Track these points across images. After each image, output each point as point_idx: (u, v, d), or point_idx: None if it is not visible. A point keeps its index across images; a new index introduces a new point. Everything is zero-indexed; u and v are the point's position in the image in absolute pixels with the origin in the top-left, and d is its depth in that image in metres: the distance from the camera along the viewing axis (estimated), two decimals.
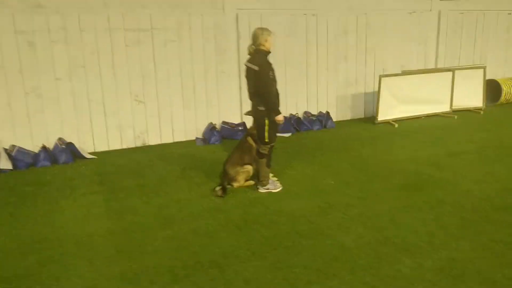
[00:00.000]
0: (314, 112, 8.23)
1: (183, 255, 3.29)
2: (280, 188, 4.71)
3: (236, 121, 7.57)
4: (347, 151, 6.28)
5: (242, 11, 7.39)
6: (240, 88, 7.47)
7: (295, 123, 7.77)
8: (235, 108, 7.63)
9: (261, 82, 4.30)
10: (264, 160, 4.62)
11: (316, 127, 7.85)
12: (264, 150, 4.58)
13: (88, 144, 6.68)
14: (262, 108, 4.41)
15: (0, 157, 5.79)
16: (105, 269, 3.14)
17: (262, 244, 3.43)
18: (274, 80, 4.40)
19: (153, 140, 7.14)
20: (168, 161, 6.06)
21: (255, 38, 4.42)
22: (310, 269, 3.02)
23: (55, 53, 6.27)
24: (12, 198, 4.71)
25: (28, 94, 6.20)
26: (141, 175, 5.42)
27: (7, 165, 5.71)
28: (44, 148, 6.16)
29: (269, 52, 4.46)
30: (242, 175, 4.78)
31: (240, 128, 7.33)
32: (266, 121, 4.43)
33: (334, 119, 8.26)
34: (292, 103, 8.05)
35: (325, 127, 7.95)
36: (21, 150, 6.02)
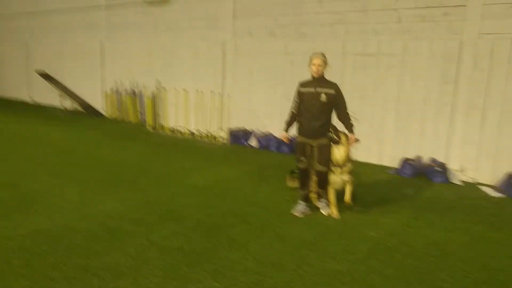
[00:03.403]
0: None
1: None
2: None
3: (439, 157, 6.65)
4: None
5: (484, 36, 6.18)
6: (460, 124, 6.42)
7: None
8: (441, 143, 6.68)
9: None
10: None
11: None
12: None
13: None
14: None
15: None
16: None
17: None
18: (295, 102, 4.66)
19: (360, 157, 7.65)
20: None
21: None
22: None
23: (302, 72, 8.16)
24: None
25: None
26: None
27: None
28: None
29: (313, 76, 4.58)
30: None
31: (436, 168, 6.43)
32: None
33: None
34: None
35: None
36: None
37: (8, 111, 12.95)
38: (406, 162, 6.66)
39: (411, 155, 6.99)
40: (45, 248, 3.67)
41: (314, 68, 4.51)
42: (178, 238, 3.97)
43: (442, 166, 6.42)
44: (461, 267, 3.58)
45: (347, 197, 4.77)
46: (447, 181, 6.28)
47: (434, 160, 6.64)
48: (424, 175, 6.49)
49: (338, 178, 4.67)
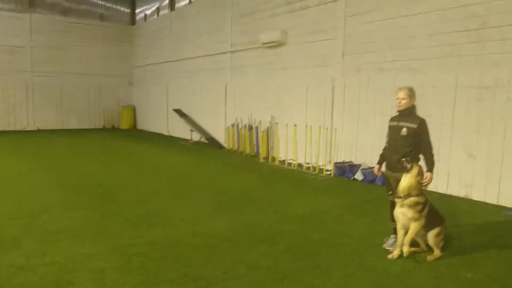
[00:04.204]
0: None
1: None
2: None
3: None
4: None
5: None
6: None
7: None
8: None
9: None
10: None
11: None
12: None
13: None
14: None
15: None
16: None
17: None
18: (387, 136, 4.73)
19: (476, 196, 7.06)
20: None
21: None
22: None
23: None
24: None
25: None
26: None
27: None
28: None
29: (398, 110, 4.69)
30: None
31: None
32: None
33: None
34: None
35: None
36: None
37: (149, 142, 15.17)
38: None
39: None
40: (157, 254, 4.38)
41: (397, 102, 4.57)
42: (267, 259, 4.32)
43: None
44: None
45: (405, 241, 4.32)
46: None
47: None
48: None
49: (397, 210, 4.39)
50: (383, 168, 4.94)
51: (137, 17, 21.07)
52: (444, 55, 7.57)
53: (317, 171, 9.50)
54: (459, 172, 7.33)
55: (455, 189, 7.39)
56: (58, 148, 12.82)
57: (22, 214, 5.71)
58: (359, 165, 8.75)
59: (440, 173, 7.46)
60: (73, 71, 19.37)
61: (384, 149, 4.87)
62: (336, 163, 9.22)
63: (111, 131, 19.40)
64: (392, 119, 4.77)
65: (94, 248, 4.52)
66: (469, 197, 7.16)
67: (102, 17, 20.33)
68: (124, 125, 20.48)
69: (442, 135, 7.50)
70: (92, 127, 20.09)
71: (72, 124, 19.52)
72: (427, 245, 4.50)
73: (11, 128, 18.03)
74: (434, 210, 4.55)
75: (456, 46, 7.39)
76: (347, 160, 9.29)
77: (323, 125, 9.81)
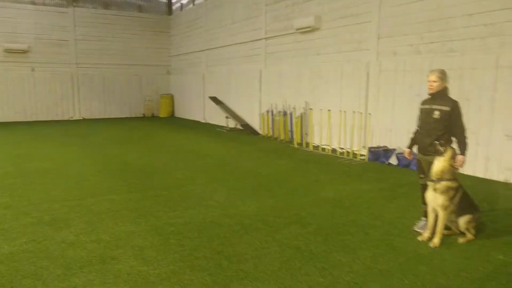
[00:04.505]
0: None
1: None
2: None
3: None
4: None
5: None
6: None
7: None
8: None
9: None
10: None
11: None
12: None
13: None
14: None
15: None
16: None
17: None
18: (418, 119, 4.73)
19: None
20: None
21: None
22: None
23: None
24: None
25: None
26: None
27: None
28: None
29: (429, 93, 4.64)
30: None
31: None
32: None
33: None
34: None
35: None
36: None
37: (186, 129, 15.61)
38: None
39: None
40: (193, 234, 4.64)
41: (428, 85, 4.51)
42: (298, 239, 4.47)
43: None
44: None
45: (436, 231, 4.31)
46: None
47: None
48: None
49: (429, 194, 4.37)
50: (415, 151, 4.92)
51: (174, 7, 21.50)
52: (484, 35, 7.30)
53: (351, 156, 9.48)
54: (499, 156, 7.11)
55: (495, 174, 7.18)
56: (102, 137, 13.49)
57: (71, 197, 6.17)
58: (394, 150, 8.66)
59: (479, 157, 7.31)
60: (114, 62, 20.18)
61: (415, 133, 4.85)
62: (370, 148, 9.16)
63: (151, 119, 20.10)
64: (424, 102, 4.73)
65: (135, 227, 4.84)
66: (509, 181, 6.95)
67: (140, 8, 20.91)
68: (163, 113, 21.13)
69: (482, 118, 7.29)
70: (133, 115, 20.89)
71: (115, 113, 20.40)
72: (459, 230, 4.48)
73: (59, 118, 19.12)
74: (467, 197, 4.50)
75: (497, 25, 7.10)
76: (381, 145, 9.21)
77: (357, 110, 9.74)
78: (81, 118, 19.50)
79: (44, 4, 18.48)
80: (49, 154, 9.94)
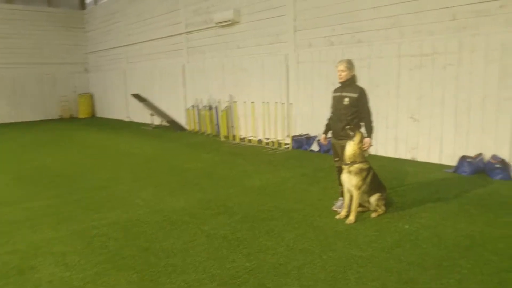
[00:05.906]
0: None
1: None
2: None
3: (502, 154, 6.36)
4: None
5: None
6: None
7: None
8: (504, 139, 6.38)
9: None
10: None
11: None
12: None
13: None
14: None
15: None
16: None
17: None
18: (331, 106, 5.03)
19: (421, 157, 7.60)
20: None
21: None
22: None
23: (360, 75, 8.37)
24: None
25: None
26: None
27: None
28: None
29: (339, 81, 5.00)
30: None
31: (496, 165, 6.19)
32: None
33: None
34: None
35: None
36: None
37: (109, 129, 14.98)
38: (463, 160, 6.52)
39: (472, 153, 6.79)
40: (119, 234, 4.55)
41: (338, 74, 4.87)
42: (225, 228, 4.59)
43: (503, 162, 6.17)
44: (487, 256, 3.64)
45: (351, 209, 4.65)
46: (508, 177, 6.03)
47: (494, 157, 6.39)
48: (484, 172, 6.29)
49: (344, 176, 4.72)
50: (330, 136, 5.26)
51: (87, 1, 20.35)
52: (387, 26, 7.95)
53: (276, 145, 9.81)
54: (405, 137, 7.83)
55: (403, 153, 7.90)
56: (15, 142, 12.48)
57: None
58: (315, 137, 9.13)
59: (389, 138, 7.98)
60: (24, 61, 18.64)
61: (329, 119, 5.19)
62: (293, 136, 9.56)
63: (69, 120, 18.94)
64: (335, 90, 5.08)
65: (54, 234, 4.63)
66: (415, 159, 7.69)
67: (50, 3, 19.50)
68: (83, 113, 20.02)
69: (389, 102, 7.96)
70: (49, 117, 19.52)
71: (28, 116, 18.89)
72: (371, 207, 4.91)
73: None
74: (376, 178, 4.93)
75: (397, 17, 7.77)
76: (304, 133, 9.65)
77: (280, 101, 10.08)
78: None
79: None
80: None
